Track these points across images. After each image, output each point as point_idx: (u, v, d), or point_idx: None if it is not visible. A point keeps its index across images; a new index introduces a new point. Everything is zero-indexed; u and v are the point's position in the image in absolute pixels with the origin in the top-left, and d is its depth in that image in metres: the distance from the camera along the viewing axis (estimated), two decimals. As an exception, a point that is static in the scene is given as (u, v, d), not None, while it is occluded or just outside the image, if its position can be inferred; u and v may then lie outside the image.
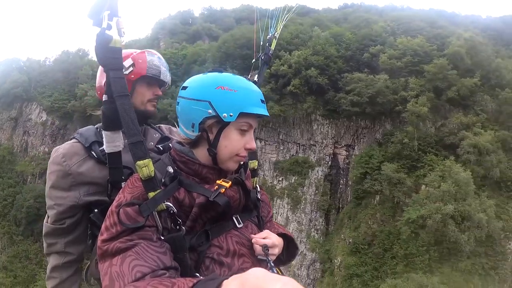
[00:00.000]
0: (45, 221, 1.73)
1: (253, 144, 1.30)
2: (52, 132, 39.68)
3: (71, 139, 1.75)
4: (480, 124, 27.51)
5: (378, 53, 31.75)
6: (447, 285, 21.39)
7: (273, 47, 2.04)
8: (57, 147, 1.74)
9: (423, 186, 24.97)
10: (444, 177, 23.21)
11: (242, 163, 1.38)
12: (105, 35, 1.18)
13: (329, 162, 30.97)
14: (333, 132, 31.28)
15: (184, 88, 1.27)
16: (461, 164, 24.50)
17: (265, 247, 1.26)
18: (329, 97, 30.99)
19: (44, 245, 1.76)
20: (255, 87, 1.30)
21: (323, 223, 29.60)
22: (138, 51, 1.80)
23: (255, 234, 1.34)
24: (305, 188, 30.00)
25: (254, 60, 1.99)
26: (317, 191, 29.74)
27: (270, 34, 2.08)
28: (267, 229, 1.44)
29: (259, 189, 1.53)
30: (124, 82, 1.20)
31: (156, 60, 1.79)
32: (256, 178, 1.64)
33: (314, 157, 31.01)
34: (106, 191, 1.59)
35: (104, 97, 1.38)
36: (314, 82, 30.62)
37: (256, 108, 1.24)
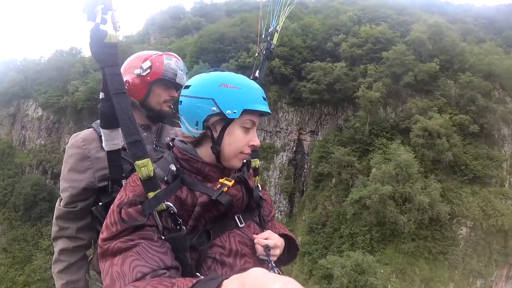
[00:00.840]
0: (57, 204, 1.73)
1: (257, 141, 1.28)
2: (48, 126, 42.11)
3: (88, 128, 1.78)
4: (436, 108, 27.62)
5: (341, 42, 32.15)
6: (389, 265, 22.04)
7: (275, 41, 2.00)
8: (77, 133, 1.77)
9: (373, 169, 25.67)
10: (389, 160, 23.81)
11: (245, 161, 1.36)
12: (100, 30, 1.14)
13: (294, 148, 31.99)
14: (297, 119, 32.18)
15: (187, 87, 1.26)
16: (411, 147, 24.97)
17: (267, 248, 1.25)
18: (293, 86, 31.86)
19: (55, 228, 1.74)
20: (256, 85, 1.30)
21: (287, 205, 30.79)
22: (158, 53, 1.82)
23: (257, 233, 1.33)
24: (270, 172, 31.19)
25: (256, 55, 1.97)
26: (281, 175, 30.90)
27: (272, 28, 2.02)
28: (269, 228, 1.43)
29: (260, 188, 1.51)
30: (121, 79, 1.16)
31: (173, 63, 1.80)
32: (258, 177, 1.63)
33: (280, 143, 32.09)
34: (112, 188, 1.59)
35: (101, 95, 1.33)
36: (278, 72, 31.48)
37: (259, 105, 1.23)
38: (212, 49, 37.07)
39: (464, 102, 28.50)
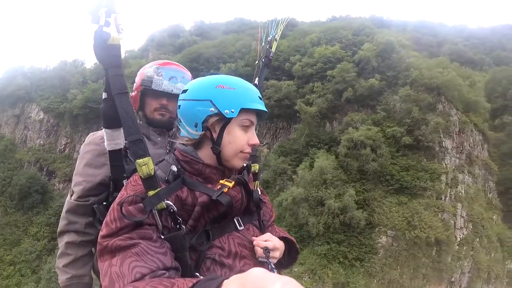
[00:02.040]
0: (68, 198, 1.74)
1: (256, 140, 1.28)
2: (47, 128, 46.26)
3: (102, 128, 1.72)
4: (371, 121, 28.98)
5: (296, 62, 34.55)
6: (303, 265, 23.08)
7: (273, 49, 2.04)
8: (94, 132, 1.86)
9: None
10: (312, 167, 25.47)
11: (245, 165, 1.37)
12: (103, 32, 1.15)
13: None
14: (257, 133, 34.49)
15: (185, 91, 1.27)
16: (335, 156, 26.52)
17: (266, 250, 1.24)
18: (254, 102, 34.44)
19: (63, 222, 1.72)
20: (252, 86, 1.32)
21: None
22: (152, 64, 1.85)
23: (256, 236, 1.32)
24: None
25: (256, 62, 2.01)
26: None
27: (271, 36, 2.07)
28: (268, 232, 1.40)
29: (260, 193, 1.50)
30: (123, 80, 1.16)
31: (151, 71, 1.82)
32: (257, 181, 1.64)
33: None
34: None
35: (104, 95, 1.35)
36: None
37: (256, 104, 1.24)
38: (189, 67, 40.33)
39: (402, 115, 29.65)
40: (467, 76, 51.65)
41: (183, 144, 1.30)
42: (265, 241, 1.28)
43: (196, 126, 1.23)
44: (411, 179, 26.81)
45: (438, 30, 67.36)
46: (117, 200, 1.13)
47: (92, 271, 1.76)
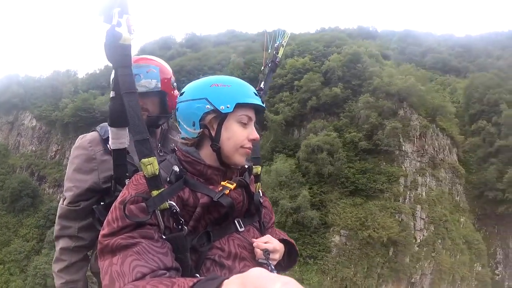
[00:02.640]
0: (60, 203, 1.75)
1: (256, 135, 1.29)
2: (39, 135, 48.94)
3: (92, 131, 1.82)
4: (332, 127, 31.02)
5: (268, 73, 36.93)
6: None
7: (280, 54, 2.11)
8: (83, 135, 1.82)
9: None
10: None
11: (247, 166, 1.38)
12: (115, 32, 1.16)
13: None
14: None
15: (182, 93, 1.31)
16: (296, 160, 28.52)
17: (266, 252, 1.26)
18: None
19: (57, 227, 1.74)
20: (246, 83, 1.33)
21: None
22: None
23: (256, 238, 1.33)
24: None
25: (263, 68, 2.08)
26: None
27: (278, 43, 2.14)
28: (269, 234, 1.42)
29: (261, 195, 1.51)
30: (132, 80, 1.18)
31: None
32: (259, 183, 1.68)
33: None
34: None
35: (112, 94, 1.37)
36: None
37: (251, 99, 1.26)
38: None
39: (363, 121, 31.60)
40: (448, 83, 53.62)
41: (184, 144, 1.31)
42: (265, 243, 1.29)
43: (194, 125, 1.25)
44: (366, 181, 28.61)
45: (423, 40, 69.42)
46: (119, 199, 1.14)
47: (90, 270, 1.79)
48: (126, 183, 1.29)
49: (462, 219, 30.71)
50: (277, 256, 1.33)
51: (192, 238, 1.17)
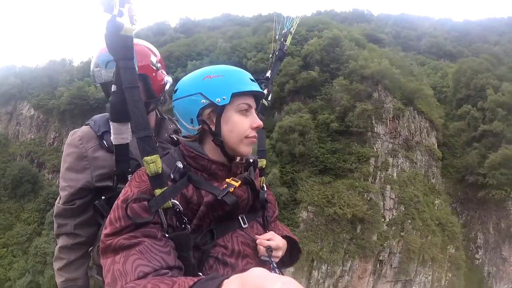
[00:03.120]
0: (56, 202, 1.76)
1: (259, 122, 1.26)
2: (37, 123, 51.28)
3: (86, 125, 1.78)
4: (307, 109, 32.09)
5: (251, 58, 37.88)
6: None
7: (288, 42, 2.07)
8: (75, 130, 1.78)
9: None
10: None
11: (251, 160, 1.38)
12: (116, 22, 1.11)
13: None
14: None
15: (175, 91, 1.30)
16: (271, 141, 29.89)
17: (269, 249, 1.27)
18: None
19: (55, 226, 1.77)
20: (241, 70, 1.30)
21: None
22: None
23: (260, 234, 1.34)
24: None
25: (270, 56, 2.05)
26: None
27: (286, 29, 2.08)
28: (272, 229, 1.44)
29: (265, 189, 1.50)
30: (135, 73, 1.16)
31: (91, 64, 1.77)
32: (263, 177, 1.64)
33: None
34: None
35: (113, 88, 1.34)
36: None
37: (247, 86, 1.24)
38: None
39: (338, 103, 32.64)
40: (441, 67, 53.41)
41: (186, 137, 1.30)
42: (268, 240, 1.30)
43: (192, 122, 1.24)
44: (336, 161, 29.91)
45: (419, 24, 68.82)
46: (121, 197, 1.13)
47: (93, 262, 1.76)
48: (129, 178, 1.27)
49: (437, 201, 31.80)
50: (280, 253, 1.34)
51: (195, 236, 1.16)
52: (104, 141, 1.67)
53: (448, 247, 29.42)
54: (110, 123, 1.44)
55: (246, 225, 1.32)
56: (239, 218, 1.32)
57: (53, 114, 49.68)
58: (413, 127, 33.82)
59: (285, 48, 2.04)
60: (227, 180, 1.25)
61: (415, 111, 34.32)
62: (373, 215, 27.23)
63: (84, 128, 1.76)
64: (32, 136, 50.91)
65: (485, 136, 34.04)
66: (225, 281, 0.73)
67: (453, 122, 38.35)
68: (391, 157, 31.59)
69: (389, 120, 32.67)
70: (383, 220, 28.12)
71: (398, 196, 29.45)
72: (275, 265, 1.26)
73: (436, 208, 31.00)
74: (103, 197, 1.65)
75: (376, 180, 30.16)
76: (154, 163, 1.08)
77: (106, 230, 1.09)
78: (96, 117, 1.79)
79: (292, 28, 2.10)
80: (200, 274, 1.13)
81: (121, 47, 1.13)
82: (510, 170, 29.86)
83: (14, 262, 39.06)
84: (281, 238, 1.39)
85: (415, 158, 32.34)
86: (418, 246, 27.55)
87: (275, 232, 1.42)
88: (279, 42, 2.06)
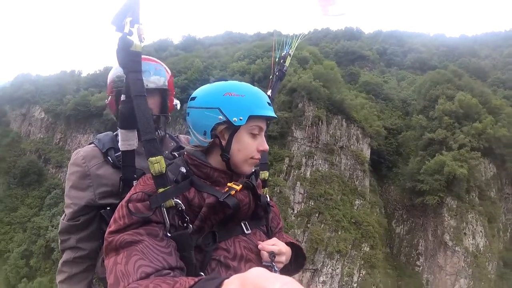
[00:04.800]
0: (61, 219, 1.83)
1: (265, 146, 1.36)
2: (47, 125, 59.51)
3: (90, 144, 1.90)
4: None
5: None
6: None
7: (287, 63, 2.21)
8: (78, 150, 1.88)
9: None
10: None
11: (254, 170, 1.45)
12: (127, 39, 1.27)
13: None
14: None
15: (193, 98, 1.36)
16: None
17: (272, 254, 1.30)
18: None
19: (59, 242, 1.85)
20: (261, 91, 1.38)
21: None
22: None
23: (263, 241, 1.38)
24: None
25: (271, 76, 2.17)
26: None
27: (285, 52, 2.24)
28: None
29: (269, 199, 1.58)
30: (142, 84, 1.29)
31: (120, 70, 1.81)
32: (266, 188, 1.77)
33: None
34: (119, 193, 1.66)
35: (122, 97, 1.48)
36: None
37: (264, 110, 1.31)
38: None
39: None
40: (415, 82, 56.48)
41: (192, 148, 1.39)
42: (272, 245, 1.34)
43: (205, 134, 1.30)
44: (259, 160, 35.02)
45: (407, 40, 72.90)
46: (125, 198, 1.20)
47: (97, 275, 1.85)
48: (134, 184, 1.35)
49: (357, 202, 34.49)
50: (283, 259, 1.39)
51: (197, 237, 1.23)
52: (109, 157, 1.78)
53: (363, 245, 31.19)
54: (119, 130, 1.55)
55: (248, 231, 1.38)
56: (242, 224, 1.38)
57: (60, 118, 57.88)
58: (338, 133, 37.16)
59: (284, 69, 2.19)
60: (229, 184, 1.31)
61: (343, 120, 37.57)
62: (281, 205, 29.59)
63: (87, 148, 1.88)
64: (41, 136, 59.37)
65: (431, 144, 36.08)
66: (225, 281, 0.76)
67: (408, 131, 41.32)
68: (305, 158, 35.05)
69: (308, 127, 36.45)
70: (291, 211, 31.38)
71: (308, 191, 32.39)
72: (277, 269, 1.31)
73: (355, 208, 33.65)
74: (108, 208, 1.74)
75: (290, 177, 33.46)
76: (158, 163, 1.18)
77: (110, 228, 1.15)
78: (100, 135, 1.94)
79: (291, 51, 2.24)
80: (202, 274, 1.17)
81: (130, 61, 1.30)
82: (443, 176, 31.50)
83: (14, 236, 47.84)
84: (284, 244, 1.44)
85: (336, 161, 35.17)
86: (324, 239, 29.67)
87: (279, 239, 1.45)
88: (280, 62, 2.21)
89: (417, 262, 33.41)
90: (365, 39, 75.90)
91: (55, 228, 39.68)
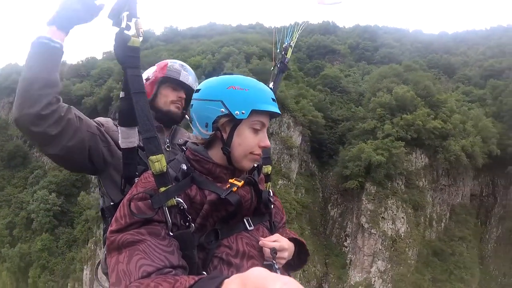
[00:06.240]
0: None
1: (267, 142, 1.35)
2: None
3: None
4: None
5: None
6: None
7: (289, 55, 2.20)
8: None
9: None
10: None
11: (256, 165, 1.44)
12: (124, 34, 1.26)
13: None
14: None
15: (197, 91, 1.37)
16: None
17: (273, 250, 1.30)
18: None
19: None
20: (265, 86, 1.38)
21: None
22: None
23: (265, 237, 1.37)
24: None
25: (272, 68, 2.15)
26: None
27: (286, 43, 2.21)
28: (279, 233, 1.46)
29: (271, 194, 1.55)
30: (141, 80, 1.27)
31: (177, 65, 2.07)
32: (269, 183, 1.75)
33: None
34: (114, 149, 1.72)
35: (121, 94, 1.45)
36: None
37: (268, 106, 1.31)
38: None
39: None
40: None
41: (194, 143, 1.39)
42: (273, 241, 1.34)
43: (206, 126, 1.31)
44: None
45: (380, 35, 75.42)
46: (127, 196, 1.20)
47: (102, 271, 1.83)
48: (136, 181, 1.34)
49: (280, 182, 36.48)
50: (285, 255, 1.39)
51: (199, 236, 1.23)
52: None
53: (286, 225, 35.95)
54: (119, 128, 1.54)
55: (251, 227, 1.37)
56: (245, 220, 1.38)
57: (47, 108, 63.73)
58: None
59: (286, 61, 2.17)
60: (230, 180, 1.31)
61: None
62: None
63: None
64: (27, 122, 65.37)
65: (364, 134, 38.25)
66: (226, 280, 0.77)
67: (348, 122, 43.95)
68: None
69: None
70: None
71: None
72: (277, 267, 1.30)
73: (278, 187, 35.36)
74: (112, 203, 1.76)
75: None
76: (159, 161, 1.17)
77: (111, 227, 1.15)
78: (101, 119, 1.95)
79: (292, 42, 2.22)
80: (205, 273, 1.18)
81: (128, 57, 1.28)
82: (361, 162, 33.81)
83: (1, 212, 54.06)
84: (287, 240, 1.44)
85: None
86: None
87: (282, 235, 1.45)
88: (281, 54, 2.18)
89: (344, 243, 36.18)
90: (341, 34, 78.40)
91: (35, 201, 46.93)
